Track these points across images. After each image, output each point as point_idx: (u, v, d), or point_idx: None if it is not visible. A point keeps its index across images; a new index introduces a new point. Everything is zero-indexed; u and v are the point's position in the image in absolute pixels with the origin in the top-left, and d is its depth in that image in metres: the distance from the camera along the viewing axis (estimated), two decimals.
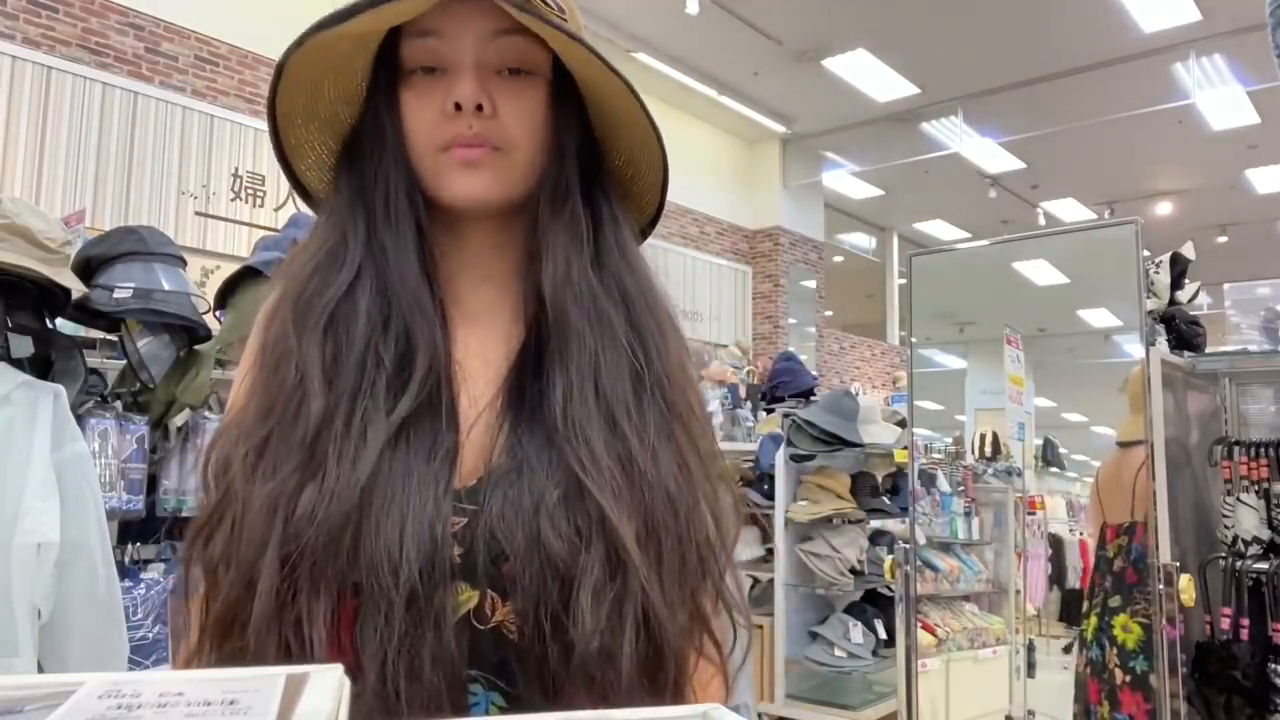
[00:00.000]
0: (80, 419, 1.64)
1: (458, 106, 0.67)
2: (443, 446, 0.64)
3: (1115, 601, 2.85)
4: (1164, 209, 12.07)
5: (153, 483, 1.89)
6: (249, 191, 6.13)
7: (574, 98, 0.73)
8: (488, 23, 0.67)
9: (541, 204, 0.71)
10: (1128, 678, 2.76)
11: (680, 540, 0.65)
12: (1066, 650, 3.87)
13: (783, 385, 4.77)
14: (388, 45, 0.70)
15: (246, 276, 2.09)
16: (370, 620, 0.58)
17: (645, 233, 0.82)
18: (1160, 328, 2.93)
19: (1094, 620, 2.92)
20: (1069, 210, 12.36)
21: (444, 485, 0.62)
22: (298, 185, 0.78)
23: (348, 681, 0.34)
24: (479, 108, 0.67)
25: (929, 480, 3.88)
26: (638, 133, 0.74)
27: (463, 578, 0.61)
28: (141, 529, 1.87)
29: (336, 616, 0.58)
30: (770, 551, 4.06)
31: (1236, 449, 2.91)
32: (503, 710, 0.62)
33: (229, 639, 0.60)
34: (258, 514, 0.60)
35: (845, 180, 11.38)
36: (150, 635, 1.72)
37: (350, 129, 0.74)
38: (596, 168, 0.75)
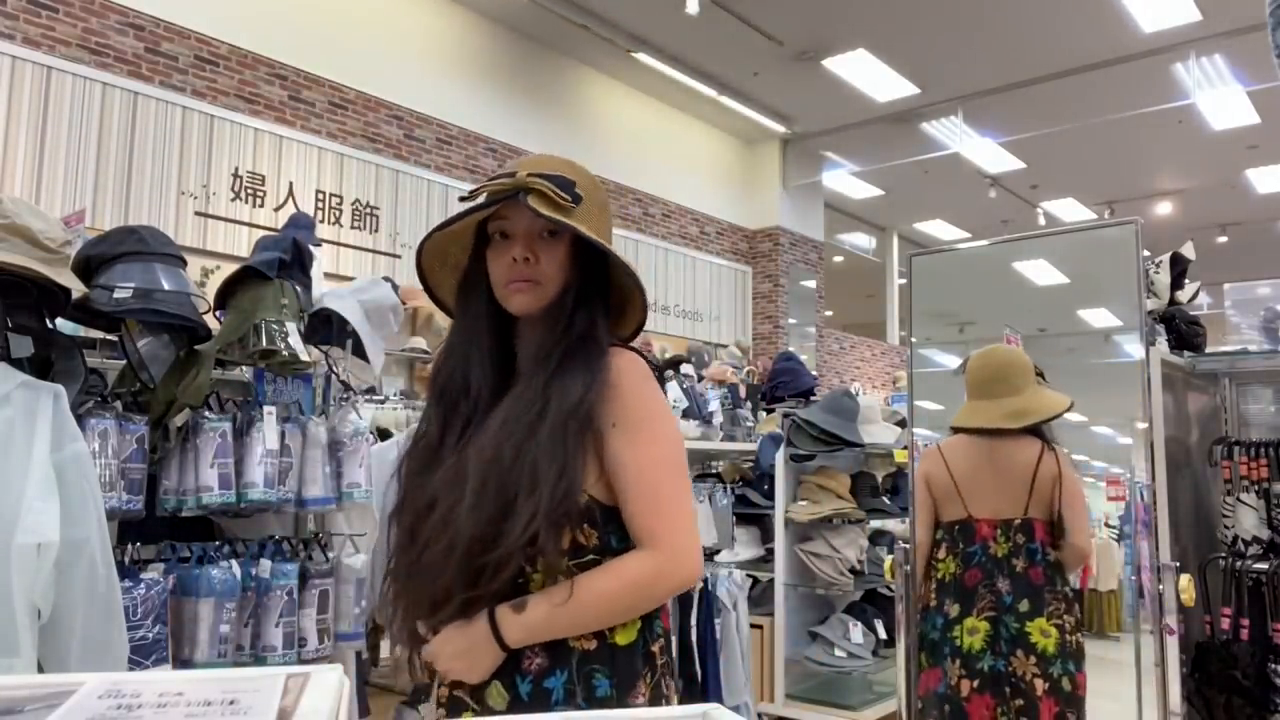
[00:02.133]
0: (80, 419, 1.64)
1: (514, 260, 1.21)
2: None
3: (1025, 606, 2.55)
4: (1164, 209, 12.07)
5: (153, 483, 1.89)
6: (249, 191, 6.13)
7: (591, 251, 1.24)
8: (529, 209, 1.20)
9: (556, 311, 1.22)
10: (1047, 684, 2.51)
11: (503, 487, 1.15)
12: None
13: (783, 385, 4.77)
14: (482, 222, 1.27)
15: (247, 276, 2.08)
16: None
17: (630, 339, 1.33)
18: (1160, 328, 2.93)
19: (984, 627, 2.60)
20: (1069, 210, 12.36)
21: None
22: (439, 303, 1.37)
23: (347, 681, 0.34)
24: (526, 259, 1.21)
25: None
26: (623, 278, 1.26)
27: None
28: (141, 529, 1.87)
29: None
30: (770, 551, 4.06)
31: (1236, 449, 2.92)
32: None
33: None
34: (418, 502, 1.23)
35: (845, 180, 11.38)
36: (150, 635, 1.72)
37: (465, 270, 1.31)
38: (597, 292, 1.26)
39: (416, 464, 1.24)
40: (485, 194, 1.20)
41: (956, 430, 2.80)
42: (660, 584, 1.16)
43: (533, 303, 1.21)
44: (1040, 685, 2.54)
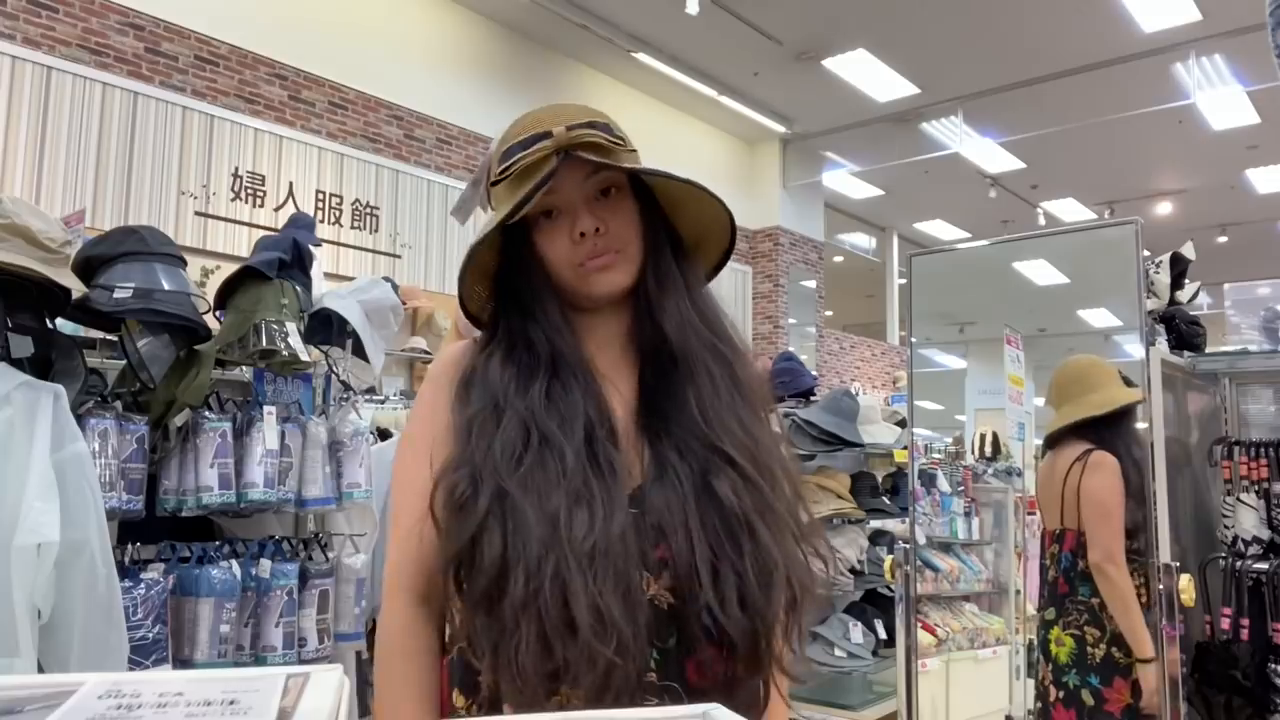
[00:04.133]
0: (80, 419, 1.64)
1: (582, 235, 0.95)
2: (619, 469, 0.90)
3: (1050, 614, 2.62)
4: (1164, 209, 12.06)
5: (153, 483, 1.89)
6: (249, 191, 6.13)
7: (647, 195, 1.01)
8: (583, 171, 0.95)
9: (649, 279, 0.99)
10: (1061, 693, 2.55)
11: (789, 508, 0.93)
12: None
13: (782, 385, 4.76)
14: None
15: (247, 277, 2.08)
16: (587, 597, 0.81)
17: (717, 269, 1.10)
18: (1160, 328, 2.92)
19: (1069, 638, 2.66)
20: (1069, 210, 12.36)
21: (621, 498, 0.88)
22: (471, 317, 1.06)
23: (347, 681, 0.34)
24: (596, 230, 0.95)
25: (929, 480, 3.87)
26: (706, 209, 1.03)
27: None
28: (141, 529, 1.87)
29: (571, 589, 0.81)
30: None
31: (1236, 449, 2.91)
32: (658, 663, 0.86)
33: (486, 607, 0.84)
34: (536, 525, 0.84)
35: (845, 180, 11.38)
36: (150, 635, 1.72)
37: (496, 268, 1.02)
38: (676, 241, 1.03)
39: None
40: (531, 171, 0.93)
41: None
42: None
43: (623, 278, 0.97)
44: (1054, 693, 2.58)
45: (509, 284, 1.01)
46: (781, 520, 0.91)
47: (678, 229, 1.04)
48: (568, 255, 0.96)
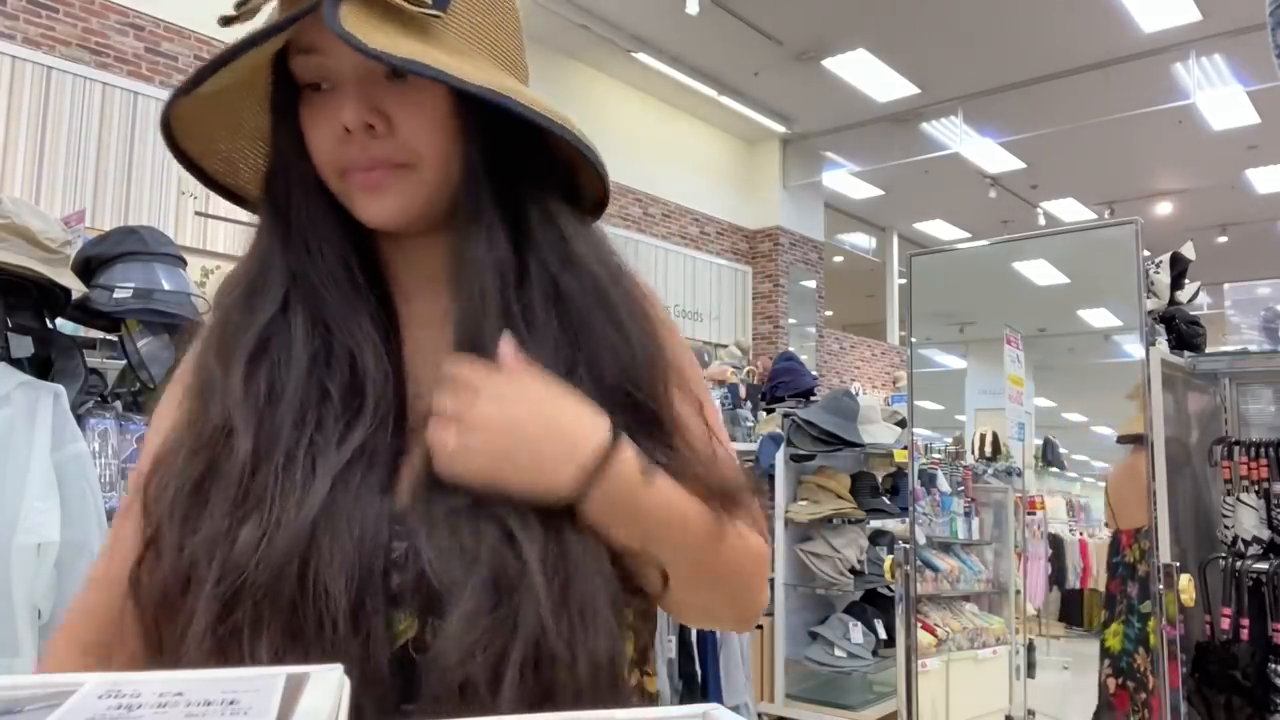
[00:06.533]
0: (80, 419, 1.64)
1: (345, 130, 0.62)
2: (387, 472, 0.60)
3: (1146, 607, 2.83)
4: (1164, 209, 12.06)
5: None
6: None
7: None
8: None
9: (458, 222, 0.65)
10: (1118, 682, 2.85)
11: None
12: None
13: (783, 385, 4.77)
14: (284, 60, 0.65)
15: None
16: (312, 656, 0.54)
17: (597, 212, 0.76)
18: (1160, 328, 2.92)
19: (1120, 628, 2.91)
20: (1069, 210, 12.36)
21: (386, 512, 0.59)
22: (232, 196, 0.74)
23: (348, 681, 0.34)
24: (370, 127, 0.62)
25: (929, 480, 3.88)
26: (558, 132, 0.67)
27: (402, 606, 0.57)
28: None
29: (281, 654, 0.54)
30: (770, 552, 4.06)
31: (1236, 449, 2.91)
32: None
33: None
34: (194, 554, 0.57)
35: (845, 180, 11.38)
36: None
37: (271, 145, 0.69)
38: (522, 163, 0.68)
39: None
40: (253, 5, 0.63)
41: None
42: None
43: (400, 205, 0.64)
44: (1115, 681, 2.89)
45: (270, 171, 0.69)
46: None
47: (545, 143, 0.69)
48: (331, 155, 0.64)
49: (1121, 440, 2.99)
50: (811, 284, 10.94)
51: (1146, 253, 2.84)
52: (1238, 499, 2.83)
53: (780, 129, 10.19)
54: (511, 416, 0.58)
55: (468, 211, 0.65)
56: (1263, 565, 2.70)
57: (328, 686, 0.32)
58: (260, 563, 0.55)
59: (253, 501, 0.58)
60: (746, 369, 5.56)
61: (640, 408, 0.64)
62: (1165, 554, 2.41)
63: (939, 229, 13.37)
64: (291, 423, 0.60)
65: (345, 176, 0.64)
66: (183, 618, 0.57)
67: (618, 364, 0.64)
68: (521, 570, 0.55)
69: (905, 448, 3.48)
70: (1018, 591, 3.88)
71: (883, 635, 3.89)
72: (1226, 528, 2.85)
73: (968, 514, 3.97)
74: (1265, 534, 2.77)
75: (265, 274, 0.66)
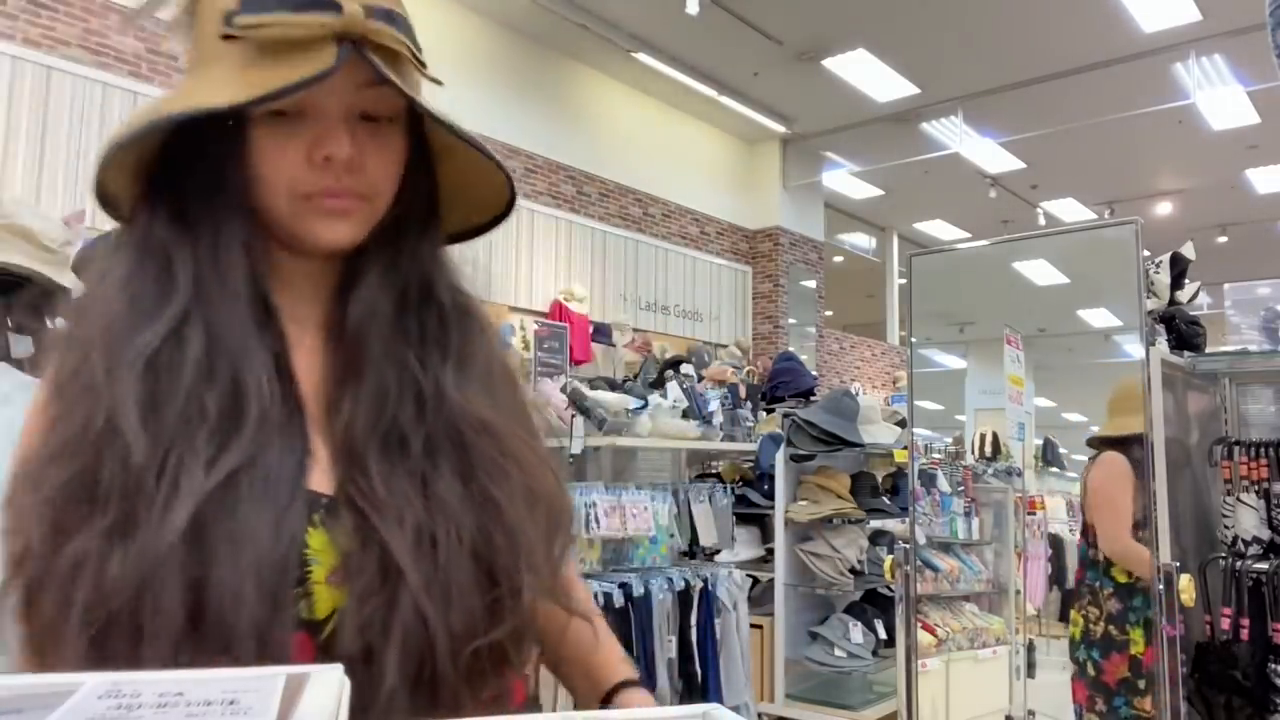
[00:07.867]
0: None
1: (327, 159, 0.67)
2: (282, 488, 0.63)
3: (1074, 600, 3.08)
4: (1164, 209, 12.07)
5: None
6: None
7: (417, 136, 0.74)
8: (361, 76, 0.67)
9: (374, 243, 0.73)
10: (1075, 668, 2.96)
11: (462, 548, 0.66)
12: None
13: (783, 385, 4.77)
14: None
15: None
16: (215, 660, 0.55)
17: (496, 223, 0.82)
18: (1160, 328, 2.92)
19: (1078, 616, 3.02)
20: (1069, 210, 12.36)
21: (287, 527, 0.62)
22: (101, 194, 0.78)
23: (348, 681, 0.34)
24: (350, 160, 0.68)
25: (929, 480, 3.88)
26: (484, 176, 0.75)
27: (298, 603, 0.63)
28: None
29: (175, 659, 0.55)
30: (770, 551, 4.06)
31: (1236, 449, 2.91)
32: None
33: None
34: (62, 576, 0.56)
35: (845, 180, 11.38)
36: None
37: (162, 154, 0.72)
38: (431, 202, 0.78)
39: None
40: (293, 50, 0.63)
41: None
42: None
43: (352, 234, 0.70)
44: (1072, 668, 2.98)
45: (178, 184, 0.71)
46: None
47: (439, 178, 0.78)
48: (298, 179, 0.67)
49: (1092, 443, 3.11)
50: (811, 284, 10.94)
51: (1146, 253, 2.84)
52: (1238, 499, 2.83)
53: (780, 129, 10.19)
54: None
55: (391, 236, 0.74)
56: (1263, 565, 2.70)
57: (328, 687, 0.32)
58: (137, 588, 0.55)
59: (128, 522, 0.57)
60: (746, 369, 5.56)
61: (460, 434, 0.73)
62: (1165, 554, 2.41)
63: (939, 229, 13.37)
64: (172, 438, 0.61)
65: (309, 199, 0.68)
66: (52, 641, 0.57)
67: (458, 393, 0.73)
68: (399, 563, 0.63)
69: (905, 448, 3.49)
70: (1018, 591, 3.89)
71: (883, 635, 3.89)
72: (1226, 528, 2.85)
73: (968, 514, 3.97)
74: (1265, 534, 2.77)
75: (166, 279, 0.68)
